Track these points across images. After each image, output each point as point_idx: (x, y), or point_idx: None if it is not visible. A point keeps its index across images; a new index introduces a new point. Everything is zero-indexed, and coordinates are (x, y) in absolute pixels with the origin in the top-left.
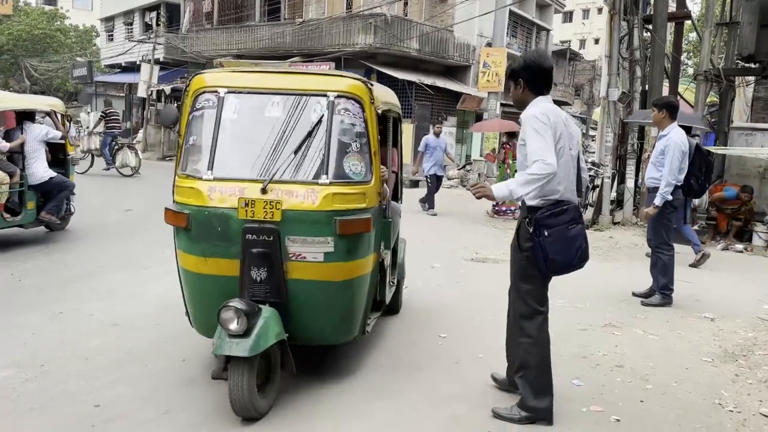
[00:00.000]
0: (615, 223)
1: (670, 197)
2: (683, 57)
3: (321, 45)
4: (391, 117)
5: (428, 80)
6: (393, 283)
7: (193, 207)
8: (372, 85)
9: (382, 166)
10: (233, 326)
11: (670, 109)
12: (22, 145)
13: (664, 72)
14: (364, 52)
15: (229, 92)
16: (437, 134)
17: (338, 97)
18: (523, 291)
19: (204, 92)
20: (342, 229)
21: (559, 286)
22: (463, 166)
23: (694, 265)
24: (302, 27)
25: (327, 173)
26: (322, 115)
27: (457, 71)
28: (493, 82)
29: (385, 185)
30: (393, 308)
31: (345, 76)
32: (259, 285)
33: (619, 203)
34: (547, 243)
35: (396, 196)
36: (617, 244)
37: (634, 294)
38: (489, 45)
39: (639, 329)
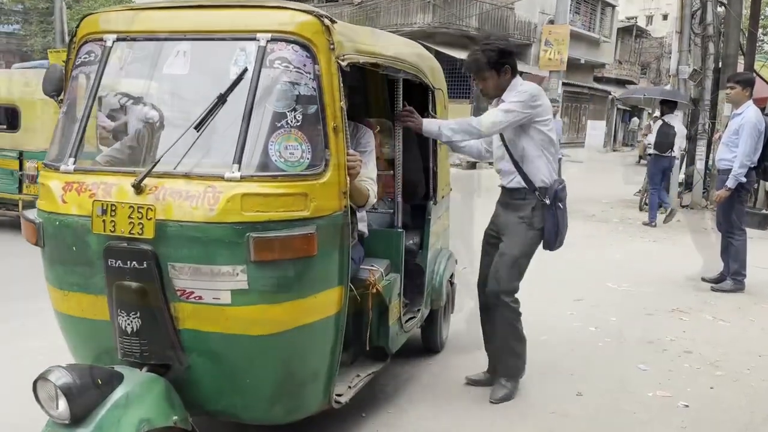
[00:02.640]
0: (683, 206)
1: (744, 179)
2: (760, 32)
3: (379, 25)
4: (399, 79)
5: None
6: (416, 316)
7: (43, 214)
8: (333, 22)
9: (351, 153)
10: (53, 411)
11: (750, 86)
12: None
13: (740, 48)
14: (423, 32)
15: (119, 39)
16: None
17: (273, 41)
18: (521, 268)
19: (88, 41)
20: (259, 254)
21: (624, 270)
22: None
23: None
24: (360, 7)
25: (239, 161)
26: (245, 70)
27: (517, 50)
28: (555, 60)
29: (368, 182)
30: (430, 347)
31: (287, 8)
32: (132, 338)
33: (687, 185)
34: (560, 215)
35: (427, 193)
36: (685, 227)
37: (703, 279)
38: (551, 22)
39: (709, 315)
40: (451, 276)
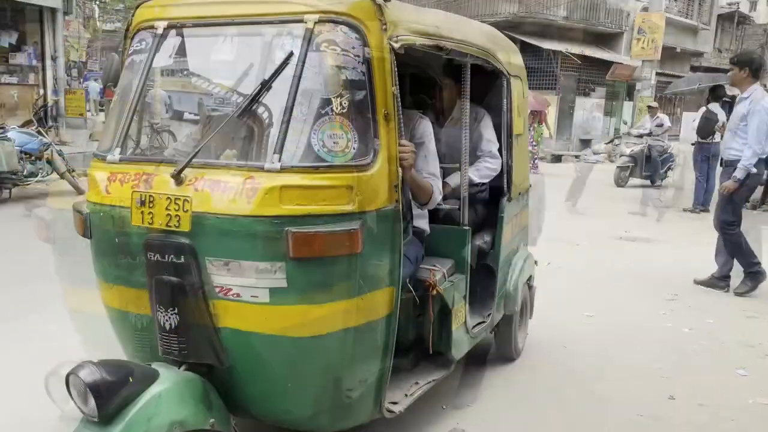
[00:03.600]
0: None
1: (754, 170)
2: None
3: (463, 15)
4: (467, 64)
5: (576, 49)
6: (485, 321)
7: (90, 205)
8: (386, 0)
9: (403, 143)
10: (83, 406)
11: (752, 66)
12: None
13: None
14: (508, 22)
15: (169, 27)
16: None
17: (321, 22)
18: None
19: (141, 29)
20: (298, 250)
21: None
22: (611, 140)
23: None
24: None
25: (279, 151)
26: (290, 54)
27: (607, 39)
28: (648, 49)
29: (431, 179)
30: (504, 354)
31: None
32: (170, 335)
33: None
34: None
35: (501, 189)
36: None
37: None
38: (645, 9)
39: None
40: (529, 279)
